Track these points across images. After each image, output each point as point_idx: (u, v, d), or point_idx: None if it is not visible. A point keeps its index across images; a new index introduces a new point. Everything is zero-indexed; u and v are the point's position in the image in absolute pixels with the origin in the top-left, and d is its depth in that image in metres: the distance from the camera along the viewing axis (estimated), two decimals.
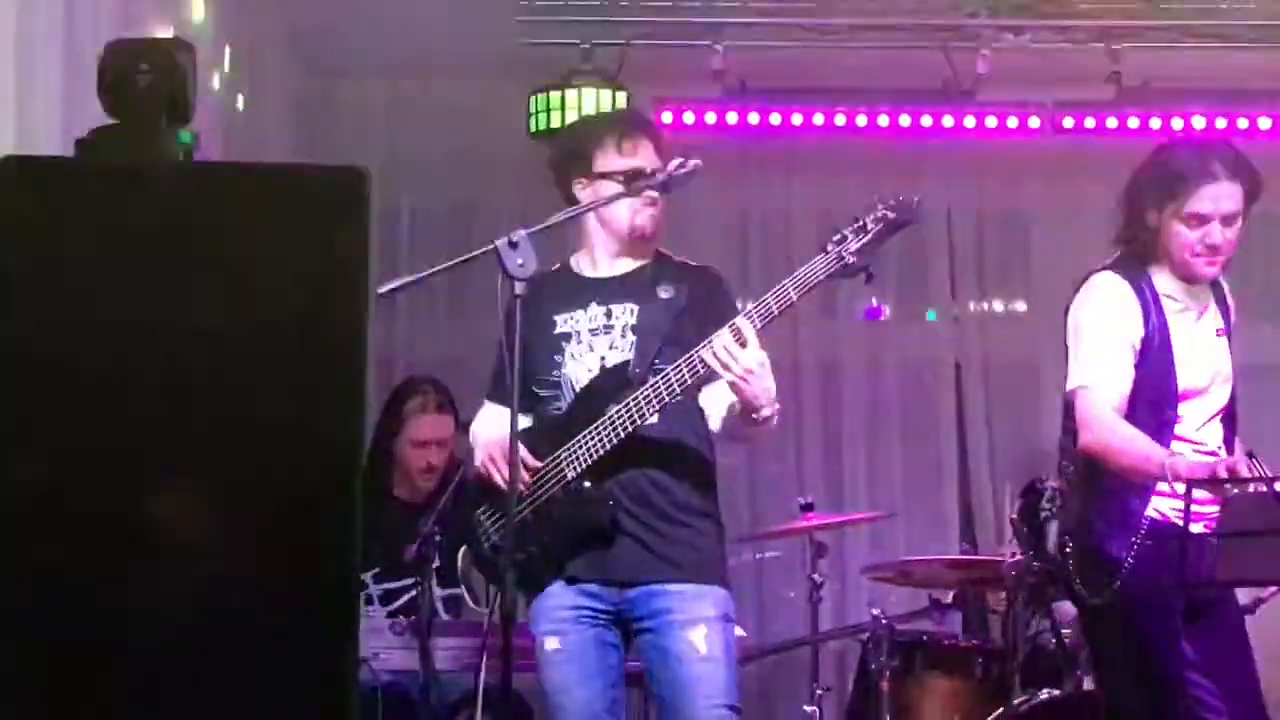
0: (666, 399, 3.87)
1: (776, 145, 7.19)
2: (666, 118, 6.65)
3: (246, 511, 2.78)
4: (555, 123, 6.67)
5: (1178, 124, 6.84)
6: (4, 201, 2.83)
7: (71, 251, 2.82)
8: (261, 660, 2.76)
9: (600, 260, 4.17)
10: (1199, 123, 6.83)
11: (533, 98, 6.72)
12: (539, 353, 4.06)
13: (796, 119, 6.97)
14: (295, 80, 6.90)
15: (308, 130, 6.91)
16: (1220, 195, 4.05)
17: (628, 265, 4.14)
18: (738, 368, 3.77)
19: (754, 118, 6.94)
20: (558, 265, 4.24)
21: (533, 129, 6.74)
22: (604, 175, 4.10)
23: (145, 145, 3.02)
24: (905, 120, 6.96)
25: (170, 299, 2.81)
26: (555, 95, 6.67)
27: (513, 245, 3.52)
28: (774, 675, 6.78)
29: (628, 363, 3.98)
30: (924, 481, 7.43)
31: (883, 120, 6.97)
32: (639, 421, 3.88)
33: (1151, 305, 4.08)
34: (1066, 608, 5.23)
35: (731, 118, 6.86)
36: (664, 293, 4.05)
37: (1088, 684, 5.13)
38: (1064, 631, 5.29)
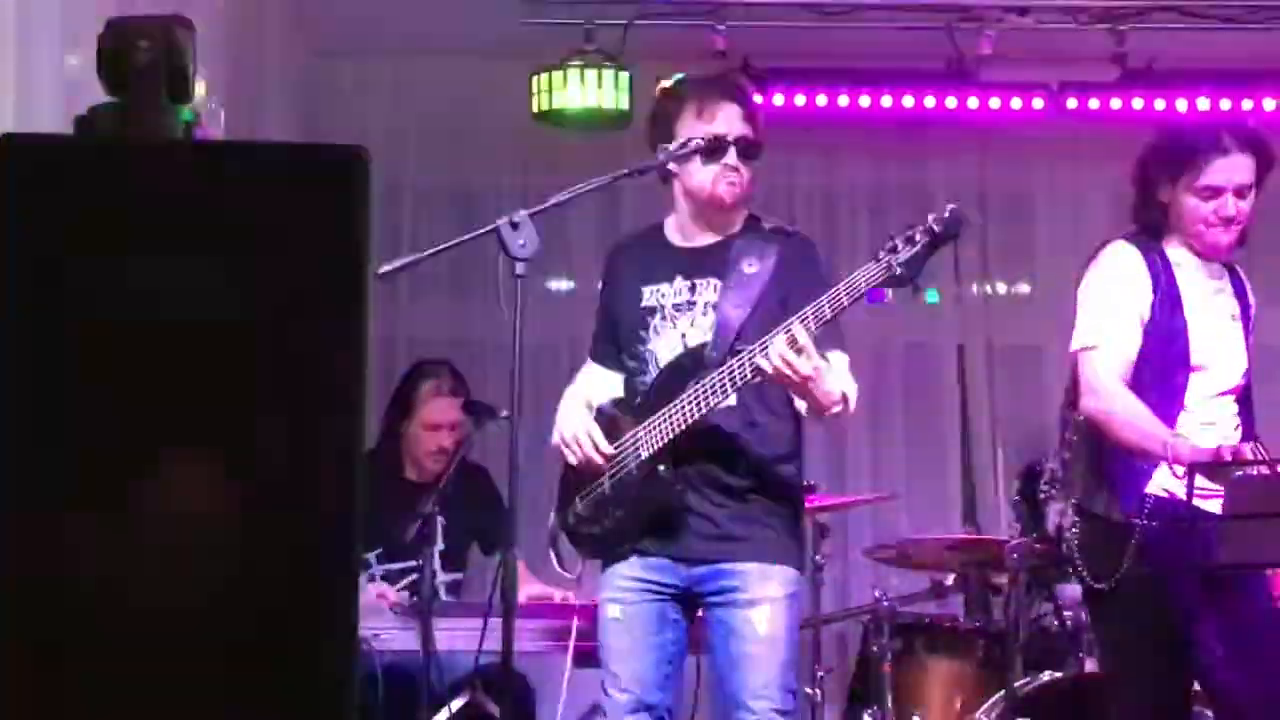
0: (739, 383, 3.87)
1: (779, 125, 7.15)
2: None
3: (244, 492, 2.77)
4: (557, 103, 6.66)
5: (1182, 105, 6.83)
6: (3, 178, 2.81)
7: (69, 229, 2.81)
8: (259, 641, 2.75)
9: (688, 229, 4.16)
10: (1203, 104, 6.82)
11: (534, 78, 6.70)
12: (627, 325, 4.12)
13: (799, 99, 6.95)
14: (297, 59, 6.88)
15: (309, 109, 6.90)
16: (1232, 167, 4.05)
17: (715, 236, 4.13)
18: (795, 376, 3.76)
19: (756, 98, 6.90)
20: (649, 228, 4.25)
21: (534, 109, 6.72)
22: (684, 142, 4.07)
23: (145, 123, 3.00)
24: (909, 101, 6.94)
25: (169, 278, 2.79)
26: (557, 75, 6.65)
27: (514, 226, 3.53)
28: None
29: (705, 345, 3.99)
30: (926, 463, 7.43)
31: (886, 100, 6.95)
32: (712, 404, 3.89)
33: (1163, 274, 4.07)
34: (1069, 590, 5.22)
35: None
36: (749, 266, 4.02)
37: (1089, 666, 5.13)
38: (1066, 613, 5.29)
